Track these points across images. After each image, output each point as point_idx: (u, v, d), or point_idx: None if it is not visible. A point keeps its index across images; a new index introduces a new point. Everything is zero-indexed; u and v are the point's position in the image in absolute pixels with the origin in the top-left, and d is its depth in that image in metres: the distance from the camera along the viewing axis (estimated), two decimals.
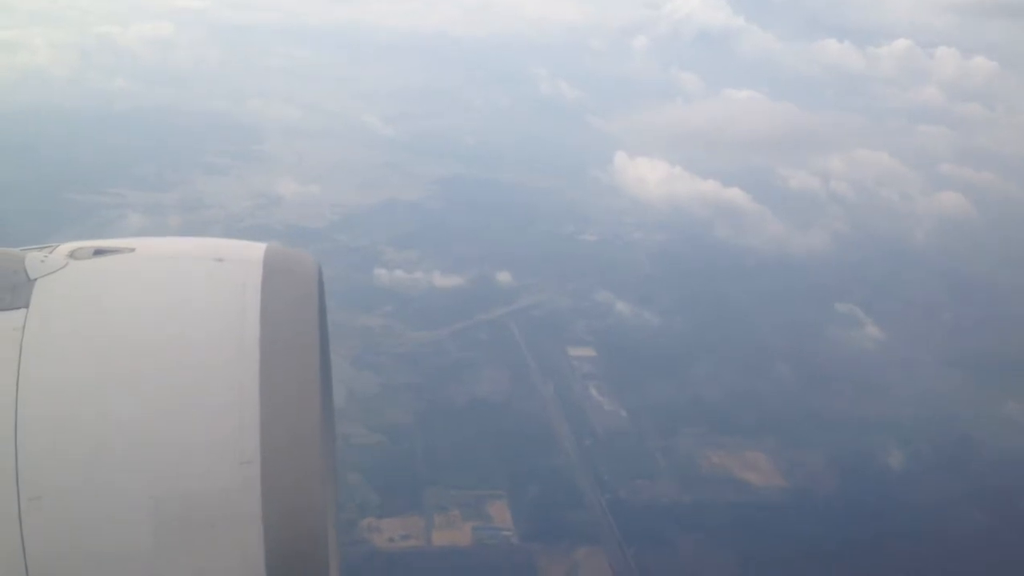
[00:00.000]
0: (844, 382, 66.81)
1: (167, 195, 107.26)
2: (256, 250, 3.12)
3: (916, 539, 48.53)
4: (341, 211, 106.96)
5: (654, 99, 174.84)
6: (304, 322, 2.89)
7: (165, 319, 2.85)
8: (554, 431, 58.10)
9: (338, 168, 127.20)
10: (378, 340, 68.33)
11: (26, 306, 2.82)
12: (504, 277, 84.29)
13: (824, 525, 49.17)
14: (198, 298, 2.93)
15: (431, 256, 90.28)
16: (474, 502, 48.09)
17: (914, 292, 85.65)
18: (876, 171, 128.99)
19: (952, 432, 59.70)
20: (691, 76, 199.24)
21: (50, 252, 3.05)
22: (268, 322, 2.82)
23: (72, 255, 3.02)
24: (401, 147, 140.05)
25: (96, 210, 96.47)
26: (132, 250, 3.09)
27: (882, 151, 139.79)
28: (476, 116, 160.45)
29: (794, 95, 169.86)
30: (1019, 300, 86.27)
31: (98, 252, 3.05)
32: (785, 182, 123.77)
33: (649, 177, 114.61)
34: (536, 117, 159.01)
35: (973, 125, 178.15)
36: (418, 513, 46.46)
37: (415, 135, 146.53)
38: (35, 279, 2.90)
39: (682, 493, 52.07)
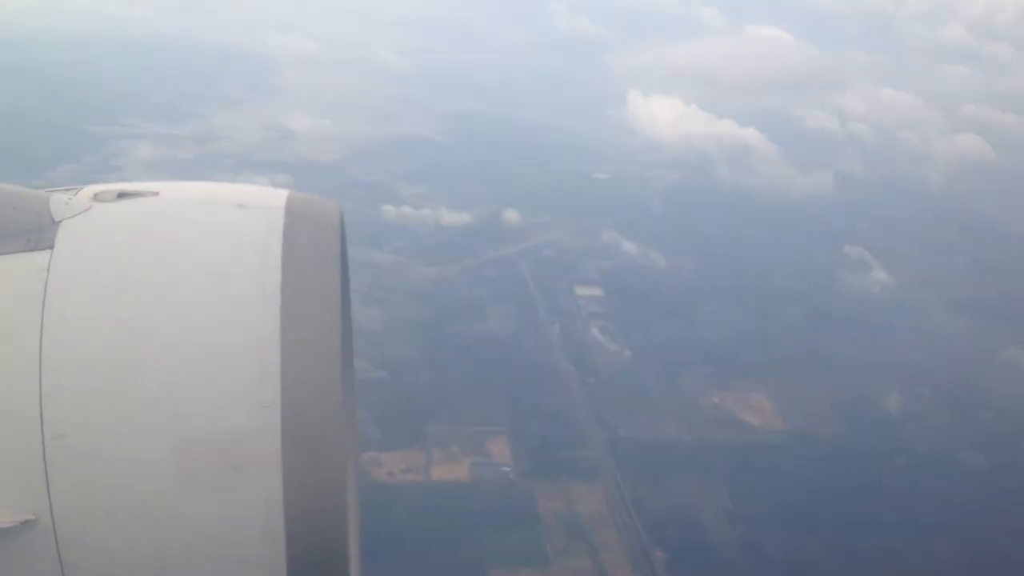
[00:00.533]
0: (850, 325, 66.73)
1: (181, 127, 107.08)
2: (278, 197, 3.13)
3: (910, 481, 49.03)
4: (353, 145, 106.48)
5: (674, 35, 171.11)
6: (325, 269, 2.92)
7: (187, 263, 2.89)
8: (557, 369, 58.63)
9: (352, 102, 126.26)
10: (387, 276, 68.69)
11: (51, 248, 2.86)
12: (513, 215, 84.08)
13: (817, 466, 49.75)
14: (220, 243, 2.97)
15: (441, 192, 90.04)
16: (475, 438, 48.85)
17: (926, 235, 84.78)
18: (897, 112, 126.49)
19: (953, 376, 59.73)
20: (712, 11, 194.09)
21: (74, 195, 3.07)
22: (289, 268, 2.85)
23: (96, 198, 3.05)
24: (416, 81, 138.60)
25: (109, 140, 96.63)
26: (156, 194, 3.12)
27: (905, 91, 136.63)
28: (493, 51, 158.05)
29: (818, 33, 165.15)
30: None
31: (122, 195, 3.07)
32: (802, 122, 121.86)
33: (663, 116, 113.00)
34: (553, 52, 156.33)
35: (1000, 65, 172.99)
36: (419, 448, 47.28)
37: (430, 69, 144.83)
38: (59, 221, 2.93)
39: (681, 432, 52.61)
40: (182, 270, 2.86)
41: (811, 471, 49.53)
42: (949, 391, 58.17)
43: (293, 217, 3.00)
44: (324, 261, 2.94)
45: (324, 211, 3.14)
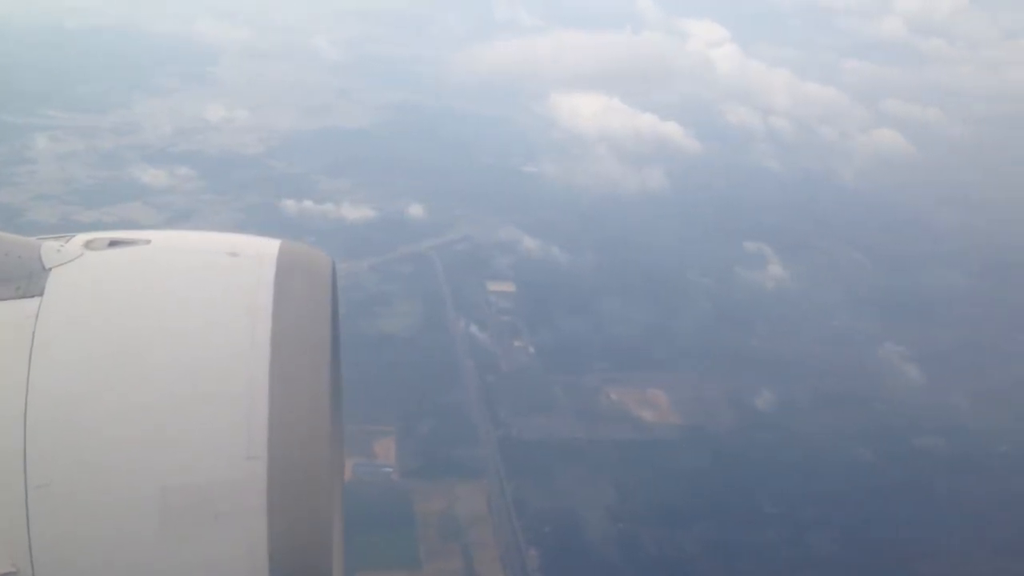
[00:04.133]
0: (752, 320, 67.48)
1: (103, 118, 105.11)
2: (271, 246, 3.14)
3: (795, 475, 49.71)
4: (280, 137, 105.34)
5: (608, 26, 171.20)
6: (316, 320, 2.92)
7: (177, 312, 2.87)
8: (458, 367, 58.50)
9: (286, 92, 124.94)
10: None
11: (40, 295, 2.86)
12: (434, 209, 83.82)
13: (705, 462, 50.29)
14: (211, 292, 2.95)
15: (365, 186, 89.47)
16: (363, 438, 48.41)
17: (834, 230, 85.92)
18: (820, 107, 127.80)
19: (844, 370, 60.68)
20: (649, 4, 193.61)
21: (66, 242, 3.08)
22: (280, 318, 2.84)
23: (87, 245, 3.06)
24: (352, 72, 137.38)
25: (26, 131, 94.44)
26: (148, 242, 3.13)
27: (830, 86, 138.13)
28: (432, 42, 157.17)
29: (754, 27, 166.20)
30: (941, 237, 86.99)
31: (113, 243, 3.09)
32: (723, 117, 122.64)
33: (585, 110, 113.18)
34: (491, 43, 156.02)
35: (933, 61, 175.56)
36: None
37: (368, 60, 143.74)
38: (50, 268, 2.94)
39: (575, 430, 52.76)
40: (171, 319, 2.85)
41: (699, 466, 50.02)
42: (839, 385, 59.05)
43: (285, 267, 3.02)
44: (315, 312, 2.95)
45: (316, 261, 3.16)
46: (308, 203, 79.17)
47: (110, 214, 75.55)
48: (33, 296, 2.87)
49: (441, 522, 43.38)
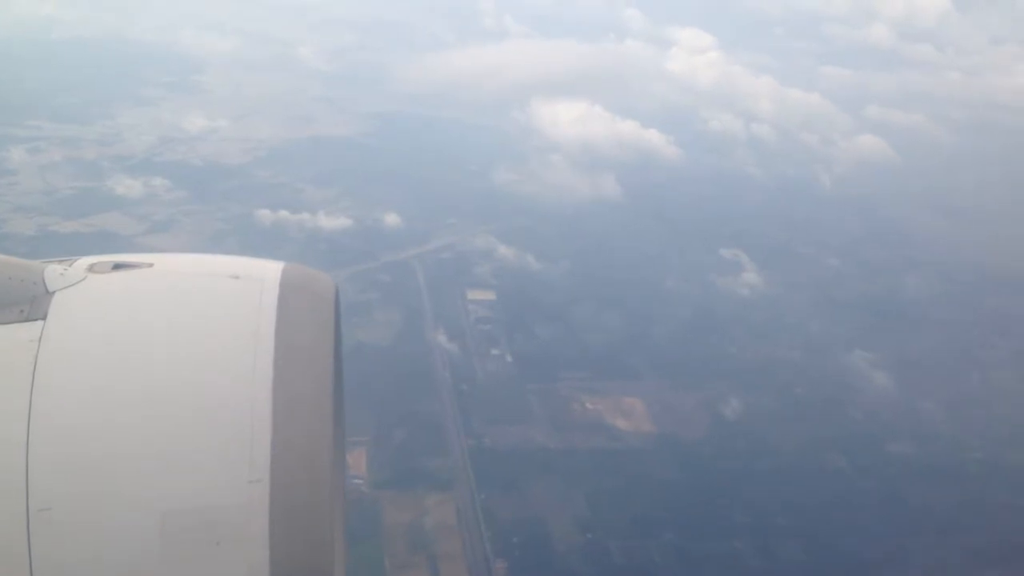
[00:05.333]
0: (728, 327, 67.48)
1: (87, 128, 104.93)
2: (274, 269, 3.15)
3: (767, 483, 49.66)
4: (266, 146, 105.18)
5: (596, 35, 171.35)
6: (319, 343, 2.93)
7: (180, 335, 2.88)
8: (434, 376, 58.41)
9: (271, 102, 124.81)
10: None
11: (44, 318, 2.88)
12: (416, 217, 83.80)
13: (678, 470, 50.29)
14: (214, 315, 2.97)
15: (350, 194, 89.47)
16: None
17: (807, 237, 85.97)
18: (803, 114, 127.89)
19: (817, 378, 60.75)
20: (635, 12, 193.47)
21: (69, 266, 3.11)
22: (282, 342, 2.85)
23: (91, 269, 3.09)
24: (339, 81, 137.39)
25: (6, 143, 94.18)
26: (150, 265, 3.15)
27: (814, 93, 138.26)
28: (420, 50, 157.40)
29: (740, 35, 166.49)
30: (920, 243, 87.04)
31: (117, 267, 3.11)
32: (705, 124, 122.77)
33: (566, 117, 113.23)
34: (480, 51, 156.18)
35: (918, 66, 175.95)
36: None
37: (353, 68, 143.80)
38: (53, 292, 2.97)
39: (549, 439, 52.68)
40: (174, 343, 2.86)
41: (671, 475, 50.02)
42: (813, 393, 59.06)
43: (288, 290, 3.03)
44: (318, 336, 2.95)
45: (319, 284, 3.19)
46: (284, 213, 78.85)
47: (89, 225, 75.56)
48: (36, 320, 2.89)
49: (409, 534, 43.27)
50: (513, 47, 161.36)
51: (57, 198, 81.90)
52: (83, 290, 3.00)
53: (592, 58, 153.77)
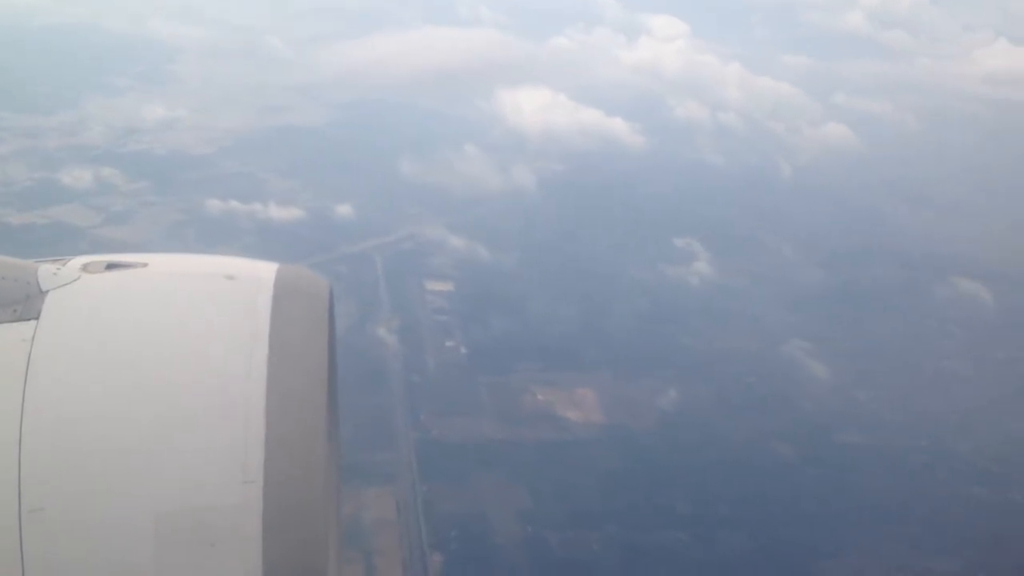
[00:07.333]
0: (685, 317, 67.36)
1: (51, 118, 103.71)
2: (268, 269, 3.16)
3: (714, 473, 49.61)
4: (233, 136, 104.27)
5: (571, 23, 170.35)
6: (313, 343, 2.92)
7: (174, 335, 2.88)
8: (384, 368, 58.05)
9: (240, 91, 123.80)
10: None
11: (37, 318, 2.86)
12: (378, 208, 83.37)
13: (625, 462, 50.18)
14: (208, 315, 2.97)
15: (313, 185, 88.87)
16: None
17: (768, 226, 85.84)
18: (772, 102, 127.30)
19: (768, 368, 60.74)
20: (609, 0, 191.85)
21: (63, 265, 3.09)
22: (276, 343, 2.84)
23: (85, 268, 3.08)
24: (309, 70, 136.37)
25: None
26: (144, 265, 3.15)
27: (784, 81, 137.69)
28: (389, 38, 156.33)
29: (713, 22, 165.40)
30: (881, 232, 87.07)
31: (110, 266, 3.10)
32: (672, 112, 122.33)
33: (530, 105, 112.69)
34: (453, 39, 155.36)
35: (893, 54, 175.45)
36: None
37: (323, 57, 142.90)
38: (47, 291, 2.95)
39: (497, 431, 52.44)
40: (167, 343, 2.84)
41: (617, 467, 49.92)
42: (763, 383, 59.04)
43: (282, 290, 3.03)
44: (312, 336, 2.94)
45: (313, 284, 3.20)
46: (234, 203, 78.17)
47: (45, 216, 74.76)
48: (29, 319, 2.87)
49: (345, 529, 42.87)
50: (477, 33, 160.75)
51: (14, 190, 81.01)
52: (76, 290, 2.98)
53: (557, 46, 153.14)
